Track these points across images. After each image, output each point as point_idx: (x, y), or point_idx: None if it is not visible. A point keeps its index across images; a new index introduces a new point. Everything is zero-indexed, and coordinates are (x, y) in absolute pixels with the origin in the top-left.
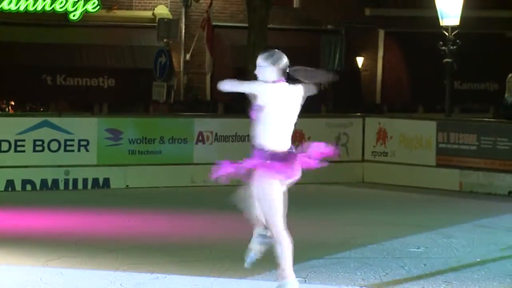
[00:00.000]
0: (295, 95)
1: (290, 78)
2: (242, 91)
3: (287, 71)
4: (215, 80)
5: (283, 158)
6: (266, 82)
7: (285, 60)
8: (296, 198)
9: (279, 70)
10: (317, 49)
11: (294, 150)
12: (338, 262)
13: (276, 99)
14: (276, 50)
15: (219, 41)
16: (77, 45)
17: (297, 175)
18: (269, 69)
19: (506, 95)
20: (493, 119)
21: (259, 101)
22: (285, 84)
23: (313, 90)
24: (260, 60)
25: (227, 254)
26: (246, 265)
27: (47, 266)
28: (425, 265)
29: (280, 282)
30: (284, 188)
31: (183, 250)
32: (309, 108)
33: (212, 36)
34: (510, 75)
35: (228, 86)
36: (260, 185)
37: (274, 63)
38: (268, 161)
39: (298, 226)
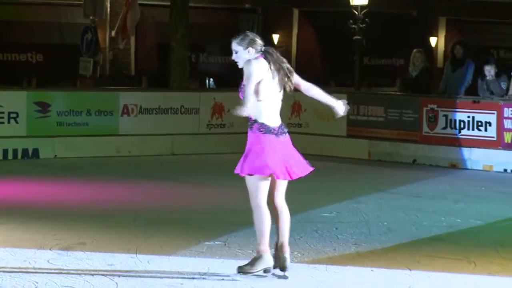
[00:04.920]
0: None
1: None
2: (253, 91)
3: (262, 50)
4: (139, 56)
5: None
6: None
7: (259, 41)
8: (210, 166)
9: (256, 52)
10: (235, 27)
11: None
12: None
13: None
14: (248, 32)
15: (144, 18)
16: (6, 22)
17: None
18: (245, 52)
19: (410, 68)
20: (399, 92)
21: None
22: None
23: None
24: (235, 45)
25: (150, 220)
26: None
27: None
28: (336, 228)
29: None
30: None
31: (109, 216)
32: (227, 82)
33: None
34: (414, 50)
35: (250, 105)
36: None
37: (249, 45)
38: None
39: (216, 193)
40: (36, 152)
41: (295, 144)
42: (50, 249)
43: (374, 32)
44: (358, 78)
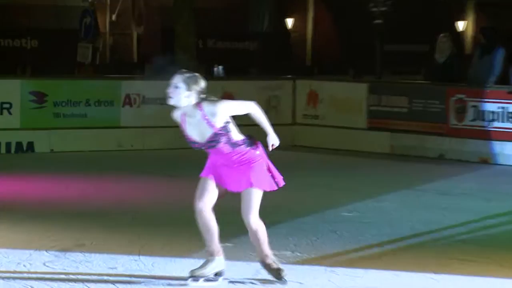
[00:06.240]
0: None
1: None
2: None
3: (202, 97)
4: (142, 42)
5: None
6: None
7: (203, 86)
8: None
9: (195, 99)
10: (245, 10)
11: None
12: (270, 227)
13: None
14: (197, 74)
15: (147, 2)
16: None
17: None
18: (185, 93)
19: (437, 55)
20: (424, 81)
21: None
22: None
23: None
24: (180, 81)
25: (153, 220)
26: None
27: None
28: (357, 229)
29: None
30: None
31: (109, 216)
32: (238, 71)
33: None
34: (441, 35)
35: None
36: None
37: (193, 89)
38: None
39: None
40: (31, 145)
41: (311, 137)
42: (46, 251)
43: (396, 16)
44: (379, 65)
